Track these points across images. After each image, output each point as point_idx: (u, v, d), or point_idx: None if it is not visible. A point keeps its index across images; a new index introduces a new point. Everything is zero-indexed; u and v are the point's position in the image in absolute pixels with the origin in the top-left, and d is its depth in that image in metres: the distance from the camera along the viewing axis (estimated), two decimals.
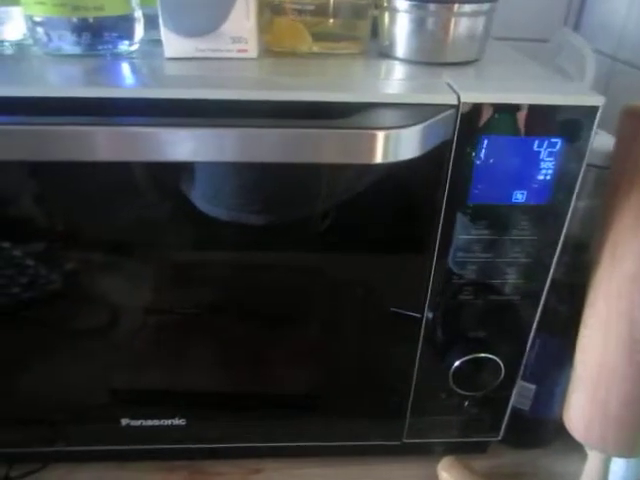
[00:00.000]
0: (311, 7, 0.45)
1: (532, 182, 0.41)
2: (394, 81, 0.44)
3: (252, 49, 0.44)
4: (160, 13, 0.42)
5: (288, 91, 0.38)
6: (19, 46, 0.46)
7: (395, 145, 0.35)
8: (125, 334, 0.48)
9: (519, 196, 0.42)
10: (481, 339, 0.48)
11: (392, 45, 0.46)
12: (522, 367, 0.50)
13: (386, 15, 0.45)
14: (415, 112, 0.37)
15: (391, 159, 0.35)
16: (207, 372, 0.51)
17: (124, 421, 0.51)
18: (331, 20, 0.46)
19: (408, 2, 0.43)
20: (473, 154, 0.40)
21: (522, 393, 0.54)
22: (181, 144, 0.35)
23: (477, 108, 0.38)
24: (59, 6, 0.41)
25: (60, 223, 0.43)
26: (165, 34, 0.43)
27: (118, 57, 0.44)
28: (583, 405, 0.48)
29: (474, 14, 0.43)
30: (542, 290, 0.46)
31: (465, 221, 0.42)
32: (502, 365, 0.48)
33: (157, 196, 0.42)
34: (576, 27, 0.74)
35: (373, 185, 0.42)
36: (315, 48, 0.47)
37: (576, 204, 0.43)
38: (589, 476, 0.50)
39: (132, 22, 0.44)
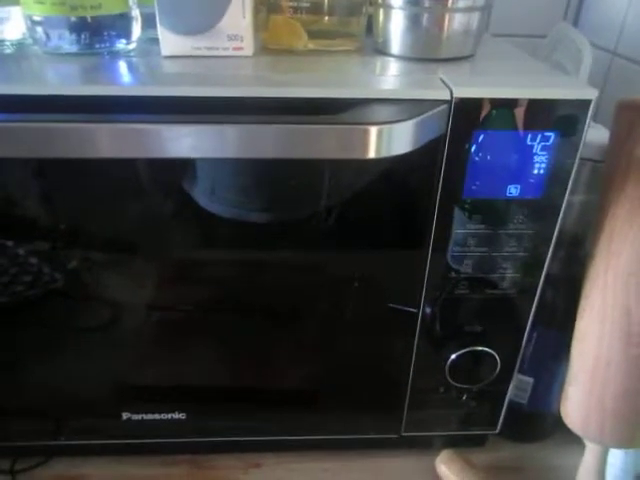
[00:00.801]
0: (307, 5, 0.45)
1: (526, 176, 0.41)
2: (388, 77, 0.44)
3: (248, 47, 0.44)
4: (157, 12, 0.42)
5: (284, 88, 0.38)
6: (19, 45, 0.46)
7: (388, 140, 0.35)
8: (127, 331, 0.49)
9: (513, 190, 0.42)
10: (477, 333, 0.48)
11: (387, 42, 0.46)
12: (519, 360, 0.50)
13: (381, 12, 0.45)
14: (408, 107, 0.37)
15: (384, 154, 0.36)
16: (207, 367, 0.51)
17: (125, 415, 0.51)
18: (326, 17, 0.46)
19: None
20: (467, 149, 0.40)
21: (520, 386, 0.54)
22: (180, 140, 0.35)
23: (470, 103, 0.38)
24: (58, 5, 0.41)
25: (62, 221, 0.43)
26: (162, 32, 0.43)
27: (116, 55, 0.44)
28: (580, 398, 0.48)
29: (468, 10, 0.44)
30: (537, 284, 0.46)
31: (460, 215, 0.43)
32: (498, 358, 0.49)
33: (160, 194, 0.43)
34: (575, 22, 0.74)
35: (369, 181, 0.42)
36: (311, 45, 0.47)
37: (571, 198, 0.43)
38: (586, 468, 0.50)
39: (130, 21, 0.44)
